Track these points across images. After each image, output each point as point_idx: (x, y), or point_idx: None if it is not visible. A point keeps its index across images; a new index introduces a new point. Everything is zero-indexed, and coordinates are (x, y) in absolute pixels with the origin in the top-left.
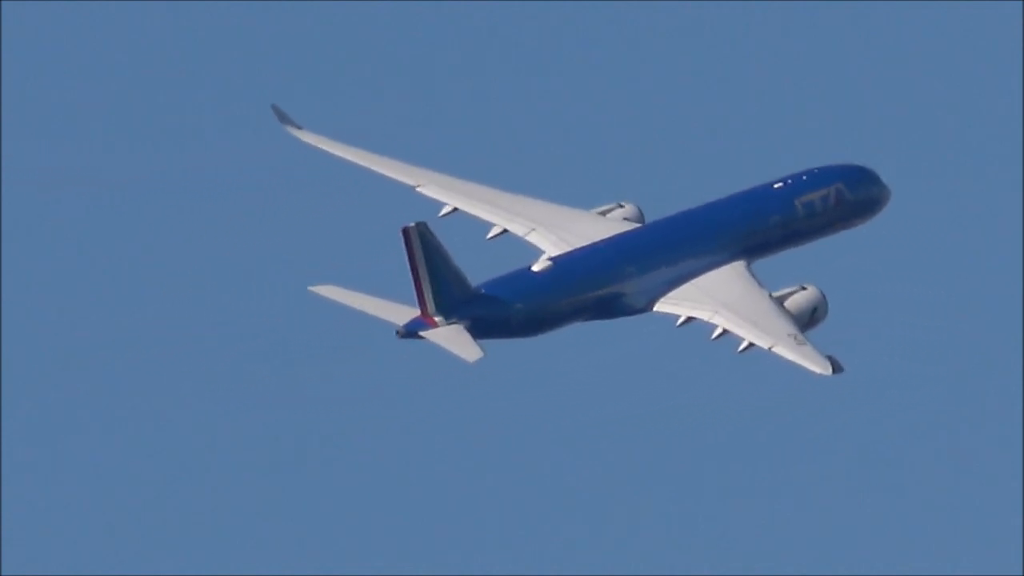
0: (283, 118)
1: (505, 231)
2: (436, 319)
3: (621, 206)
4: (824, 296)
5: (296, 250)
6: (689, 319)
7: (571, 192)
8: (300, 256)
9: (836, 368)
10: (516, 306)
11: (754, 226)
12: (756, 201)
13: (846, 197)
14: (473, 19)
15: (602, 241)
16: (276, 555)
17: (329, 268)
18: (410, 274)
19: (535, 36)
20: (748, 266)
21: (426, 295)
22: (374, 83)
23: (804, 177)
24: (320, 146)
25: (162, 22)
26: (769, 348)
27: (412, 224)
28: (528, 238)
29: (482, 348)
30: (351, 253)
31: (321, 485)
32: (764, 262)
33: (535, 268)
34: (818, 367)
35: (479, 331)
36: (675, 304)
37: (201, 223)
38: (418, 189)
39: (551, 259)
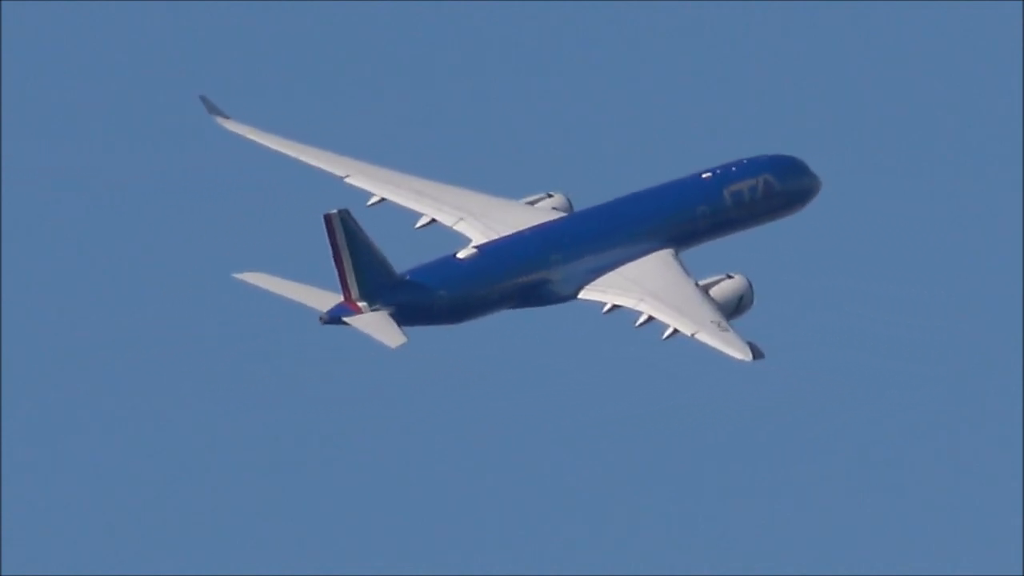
0: (211, 108)
1: (433, 220)
2: (360, 305)
3: (550, 196)
4: (751, 284)
5: (224, 239)
6: (615, 306)
7: (500, 182)
8: (227, 245)
9: (756, 354)
10: (440, 293)
11: (681, 215)
12: (684, 190)
13: (775, 187)
14: (404, 9)
15: (528, 229)
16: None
17: (258, 257)
18: (333, 261)
19: (467, 28)
20: (676, 254)
21: (349, 281)
22: (304, 73)
23: (733, 167)
24: (249, 136)
25: (164, 23)
26: (692, 334)
27: (334, 211)
28: (456, 227)
29: (405, 334)
30: (280, 242)
31: (250, 477)
32: (694, 251)
33: (460, 255)
34: (739, 353)
35: (403, 317)
36: (601, 292)
37: (126, 214)
38: (347, 179)
39: (476, 247)
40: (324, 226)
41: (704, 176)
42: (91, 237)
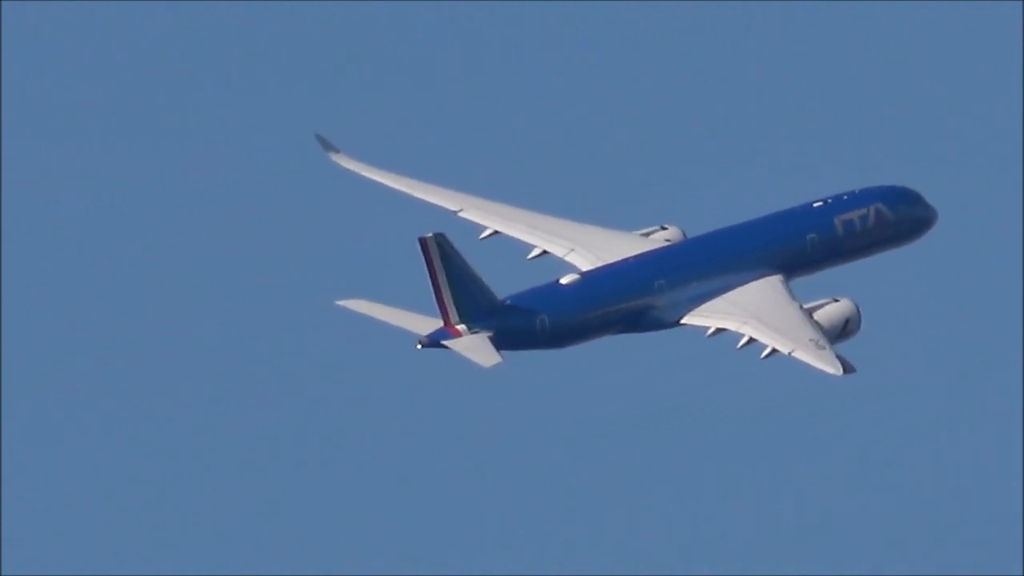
0: (327, 146)
1: (545, 252)
2: (459, 328)
3: (664, 228)
4: (858, 308)
5: (343, 270)
6: (719, 330)
7: (616, 216)
8: (346, 276)
9: (847, 369)
10: (541, 317)
11: (791, 243)
12: (794, 219)
13: (886, 216)
14: (513, 51)
15: (634, 256)
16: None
17: (376, 287)
18: (430, 284)
19: (581, 72)
20: (784, 280)
21: (447, 305)
22: (416, 111)
23: (845, 197)
24: (364, 174)
25: (164, 23)
26: (790, 353)
27: (429, 234)
28: (567, 258)
29: (501, 355)
30: (398, 273)
31: (341, 490)
32: (809, 279)
33: (563, 281)
34: (831, 368)
35: (504, 342)
36: (705, 317)
37: (249, 239)
38: (460, 213)
39: (580, 273)
40: (420, 250)
41: (816, 205)
42: (183, 254)
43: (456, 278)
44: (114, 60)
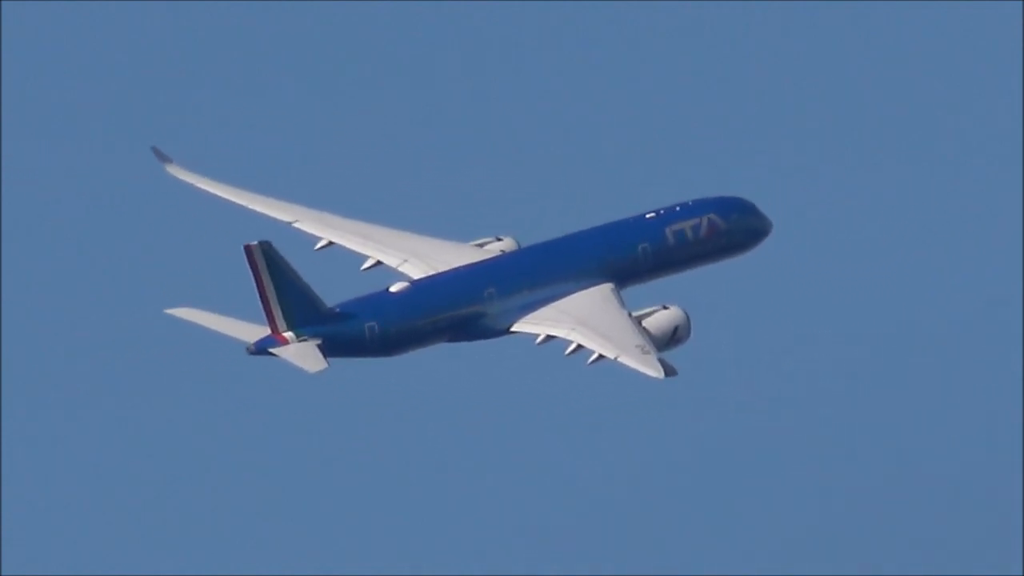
0: (162, 158)
1: (379, 263)
2: (287, 336)
3: (499, 239)
4: (687, 316)
5: (177, 280)
6: (548, 337)
7: (452, 228)
8: (180, 286)
9: (669, 372)
10: (370, 324)
11: (622, 253)
12: (626, 229)
13: (719, 226)
14: (357, 59)
15: (464, 265)
16: None
17: (211, 296)
18: (257, 292)
19: (420, 74)
20: (614, 289)
21: (275, 312)
22: (252, 122)
23: (678, 208)
24: (199, 185)
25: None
26: (615, 358)
27: (255, 242)
28: (401, 268)
29: (327, 362)
30: (232, 283)
31: (172, 495)
32: (646, 287)
33: (392, 289)
34: (653, 372)
35: (333, 349)
36: (535, 324)
37: (83, 248)
38: (295, 224)
39: (409, 281)
40: (246, 258)
41: (648, 216)
42: (27, 269)
43: (283, 286)
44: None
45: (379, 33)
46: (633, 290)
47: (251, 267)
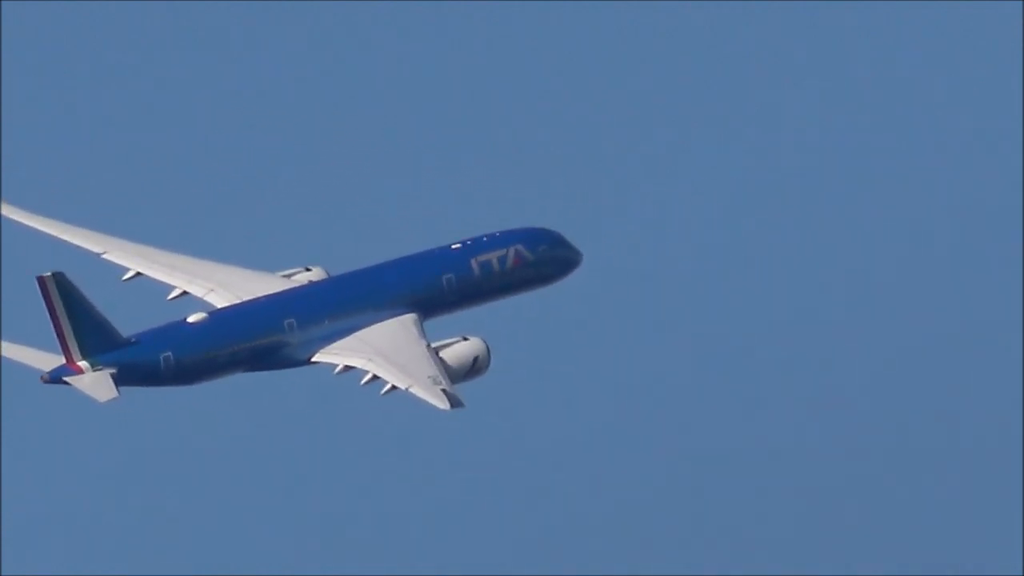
0: None
1: (185, 292)
2: (81, 365)
3: (308, 269)
4: (487, 346)
5: None
6: (347, 367)
7: (263, 258)
8: None
9: (455, 403)
10: (165, 355)
11: (427, 284)
12: (432, 261)
13: (526, 257)
14: (170, 85)
15: (265, 296)
16: None
17: (16, 326)
18: (50, 322)
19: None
20: (417, 320)
21: (69, 342)
22: (67, 151)
23: (484, 238)
24: (10, 215)
25: None
26: (407, 388)
27: (48, 273)
28: (206, 298)
29: (117, 391)
30: (37, 312)
31: None
32: (456, 317)
33: (190, 320)
34: (439, 403)
35: (130, 378)
36: (335, 354)
37: None
38: (104, 255)
39: (207, 312)
40: (39, 288)
41: (454, 247)
42: None
43: (77, 316)
44: None
45: (191, 55)
46: (439, 320)
47: (44, 297)
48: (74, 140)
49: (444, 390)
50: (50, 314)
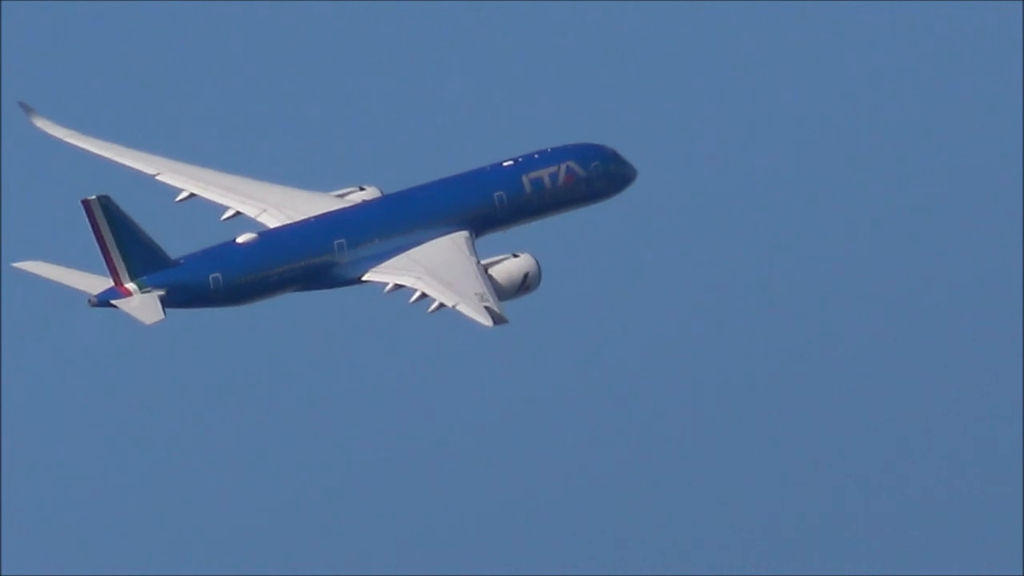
0: (29, 111)
1: (238, 213)
2: (129, 287)
3: (362, 189)
4: (537, 263)
5: (33, 234)
6: (396, 286)
7: (317, 178)
8: (36, 239)
9: (498, 320)
10: (214, 275)
11: (479, 202)
12: (483, 178)
13: (577, 174)
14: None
15: (316, 216)
16: None
17: (67, 250)
18: (97, 246)
19: (272, 26)
20: (469, 237)
21: (117, 265)
22: (121, 74)
23: (536, 155)
24: (67, 139)
25: None
26: (453, 306)
27: (93, 197)
28: (259, 218)
29: (164, 314)
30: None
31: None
32: (504, 235)
33: (239, 240)
34: (483, 319)
35: (179, 300)
36: (385, 273)
37: None
38: (158, 177)
39: (257, 233)
40: (84, 212)
41: (506, 164)
42: None
43: (124, 238)
44: None
45: None
46: (491, 238)
47: (90, 221)
48: (128, 62)
49: (487, 307)
50: (96, 238)
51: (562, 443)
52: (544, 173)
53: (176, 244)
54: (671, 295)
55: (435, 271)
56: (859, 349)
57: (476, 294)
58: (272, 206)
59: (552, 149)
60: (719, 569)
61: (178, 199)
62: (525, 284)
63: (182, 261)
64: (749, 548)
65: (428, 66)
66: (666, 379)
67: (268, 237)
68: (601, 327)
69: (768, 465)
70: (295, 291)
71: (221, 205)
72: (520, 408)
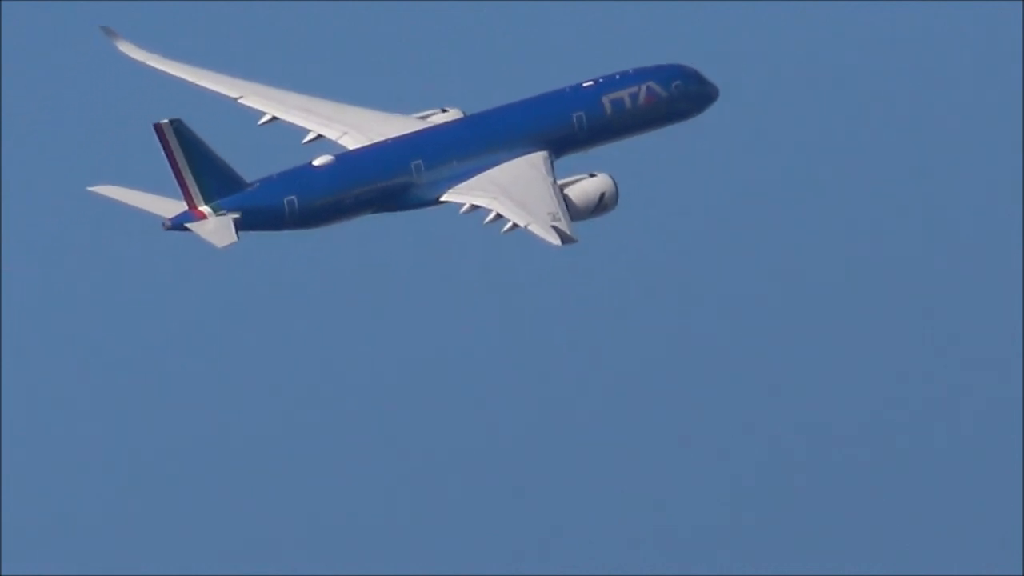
0: (112, 35)
1: (320, 136)
2: (203, 211)
3: (444, 111)
4: (614, 182)
5: (114, 157)
6: (473, 207)
7: (401, 100)
8: (116, 162)
9: (566, 239)
10: (288, 198)
11: (557, 123)
12: (562, 99)
13: (658, 94)
14: None
15: (393, 138)
16: None
17: (146, 173)
18: (171, 170)
19: None
20: (547, 157)
21: (191, 188)
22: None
23: (617, 76)
24: (150, 63)
25: None
26: (525, 226)
27: (165, 120)
28: (340, 141)
29: (237, 236)
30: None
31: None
32: (585, 156)
33: (315, 163)
34: (551, 238)
35: (253, 223)
36: (463, 194)
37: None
38: (240, 100)
39: (333, 155)
40: (156, 136)
41: (586, 85)
42: None
43: (197, 162)
44: None
45: None
46: (571, 159)
47: (162, 145)
48: None
49: (555, 226)
50: (169, 162)
51: (621, 372)
52: (624, 93)
53: (257, 168)
54: (754, 223)
55: (510, 191)
56: (859, 349)
57: (548, 213)
58: (353, 128)
59: (634, 70)
60: (719, 569)
61: (260, 122)
62: (602, 203)
63: (257, 184)
64: (748, 548)
65: None
66: (738, 316)
67: (344, 159)
68: (677, 253)
69: (768, 465)
70: (371, 213)
71: (303, 128)
72: (585, 331)
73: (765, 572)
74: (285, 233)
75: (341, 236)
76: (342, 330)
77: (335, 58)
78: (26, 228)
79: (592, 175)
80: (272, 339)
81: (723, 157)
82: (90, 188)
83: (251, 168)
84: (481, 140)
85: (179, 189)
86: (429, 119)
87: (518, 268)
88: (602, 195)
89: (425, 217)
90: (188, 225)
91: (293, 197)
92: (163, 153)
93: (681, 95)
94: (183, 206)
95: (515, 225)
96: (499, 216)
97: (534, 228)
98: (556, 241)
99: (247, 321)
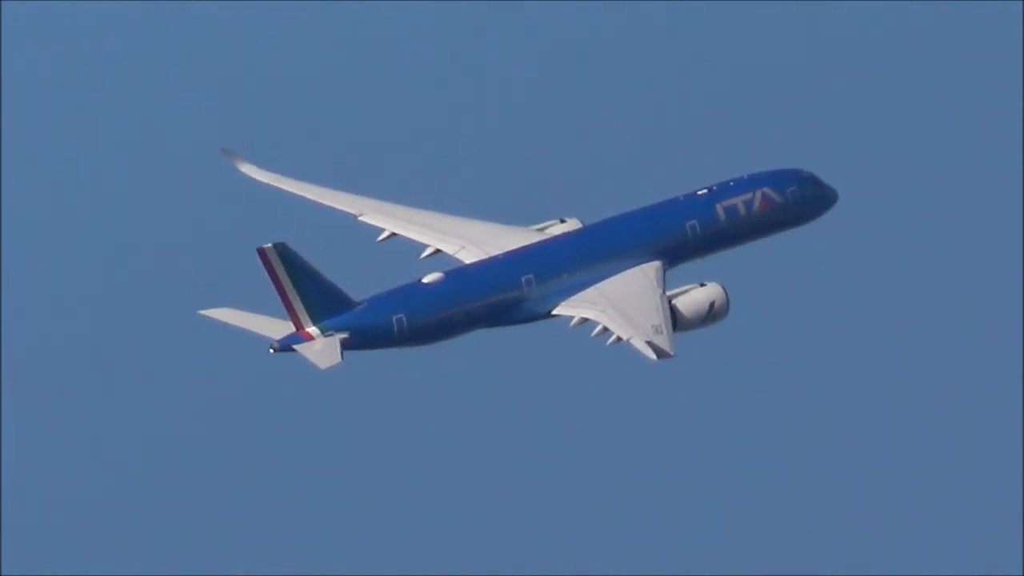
0: (233, 157)
1: (438, 251)
2: (311, 331)
3: (563, 221)
4: (725, 292)
5: (235, 278)
6: (583, 319)
7: (522, 212)
8: (233, 283)
9: (660, 354)
10: (397, 316)
11: (670, 232)
12: (675, 208)
13: (774, 200)
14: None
15: (505, 252)
16: None
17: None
18: (275, 292)
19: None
20: (660, 267)
21: (297, 310)
22: (317, 117)
23: (731, 183)
24: (271, 183)
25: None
26: (628, 339)
27: (269, 244)
28: (457, 255)
29: (341, 357)
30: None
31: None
32: (702, 263)
33: (425, 280)
34: (648, 352)
35: (363, 343)
36: (573, 307)
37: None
38: (360, 217)
39: (443, 272)
40: (260, 260)
41: (699, 193)
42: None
43: (303, 283)
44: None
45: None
46: (686, 267)
47: (267, 269)
48: (332, 104)
49: (650, 341)
50: (275, 284)
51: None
52: (738, 200)
53: (374, 284)
54: (868, 331)
55: (618, 303)
56: (858, 348)
57: (652, 326)
58: (470, 242)
59: (748, 176)
60: (718, 569)
61: (380, 239)
62: (712, 312)
63: (364, 303)
64: (747, 547)
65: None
66: (855, 430)
67: (454, 276)
68: (790, 360)
69: (767, 465)
70: (482, 328)
71: (421, 243)
72: (684, 445)
73: (765, 572)
74: (394, 350)
75: (448, 350)
76: (431, 447)
77: (454, 169)
78: (137, 348)
79: (702, 284)
80: (381, 453)
81: (842, 261)
82: (201, 312)
83: (367, 284)
84: (594, 252)
85: (285, 311)
86: (547, 230)
87: (620, 380)
88: (712, 304)
89: (535, 330)
90: (295, 347)
91: (402, 315)
92: (267, 276)
93: (797, 200)
94: (291, 327)
95: (619, 338)
96: (605, 329)
97: (635, 342)
98: (652, 356)
99: (353, 440)
